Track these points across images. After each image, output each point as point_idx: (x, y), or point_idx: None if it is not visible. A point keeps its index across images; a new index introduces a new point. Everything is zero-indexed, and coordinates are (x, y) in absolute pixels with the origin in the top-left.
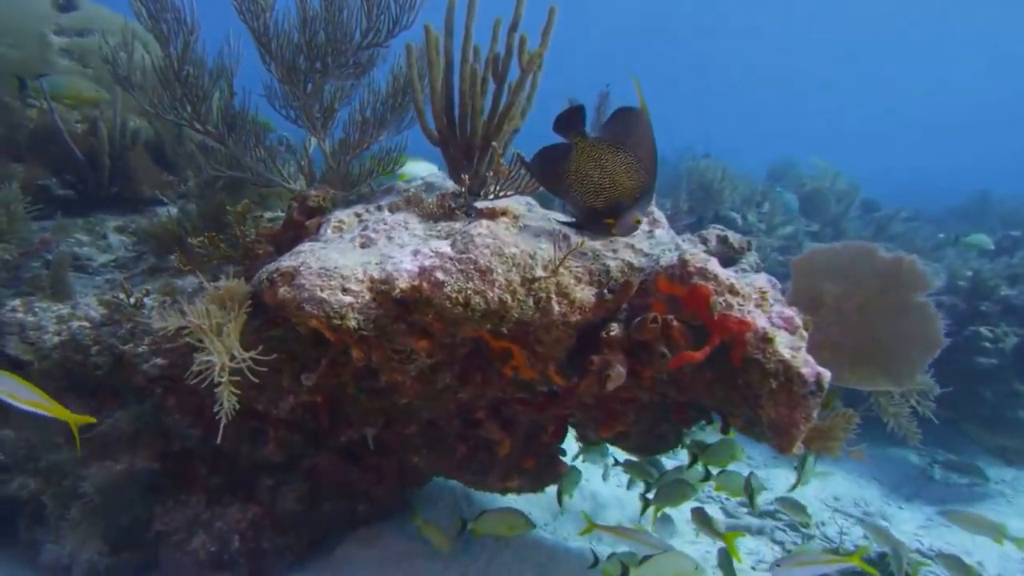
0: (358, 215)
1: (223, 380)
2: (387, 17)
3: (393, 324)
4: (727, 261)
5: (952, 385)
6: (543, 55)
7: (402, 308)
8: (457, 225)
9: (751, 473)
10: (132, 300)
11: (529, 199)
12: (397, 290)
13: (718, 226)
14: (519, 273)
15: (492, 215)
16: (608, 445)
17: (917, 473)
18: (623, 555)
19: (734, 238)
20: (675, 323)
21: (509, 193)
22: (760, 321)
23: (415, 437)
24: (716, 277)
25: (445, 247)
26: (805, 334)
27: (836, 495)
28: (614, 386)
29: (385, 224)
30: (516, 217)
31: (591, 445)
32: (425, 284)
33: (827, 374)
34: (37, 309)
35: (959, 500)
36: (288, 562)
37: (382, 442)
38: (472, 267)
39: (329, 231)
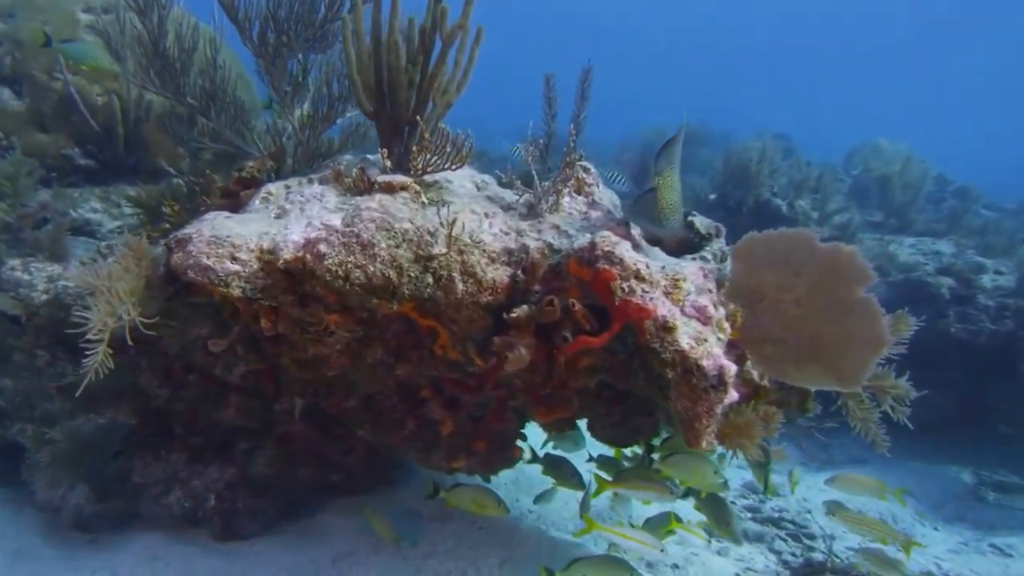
0: (287, 187)
1: (101, 339)
2: None
3: (283, 294)
4: (691, 247)
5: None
6: (464, 26)
7: (290, 279)
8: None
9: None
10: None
11: (486, 177)
12: (282, 260)
13: (689, 212)
14: (411, 249)
15: (390, 189)
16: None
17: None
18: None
19: (701, 223)
20: (577, 307)
21: (444, 167)
22: (662, 309)
23: (356, 411)
24: (622, 261)
25: (335, 220)
26: (727, 326)
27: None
28: (514, 368)
29: (302, 197)
30: (419, 192)
31: (553, 433)
32: (308, 256)
33: (731, 367)
34: (32, 269)
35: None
36: (262, 524)
37: (329, 413)
38: (355, 240)
39: (257, 202)
